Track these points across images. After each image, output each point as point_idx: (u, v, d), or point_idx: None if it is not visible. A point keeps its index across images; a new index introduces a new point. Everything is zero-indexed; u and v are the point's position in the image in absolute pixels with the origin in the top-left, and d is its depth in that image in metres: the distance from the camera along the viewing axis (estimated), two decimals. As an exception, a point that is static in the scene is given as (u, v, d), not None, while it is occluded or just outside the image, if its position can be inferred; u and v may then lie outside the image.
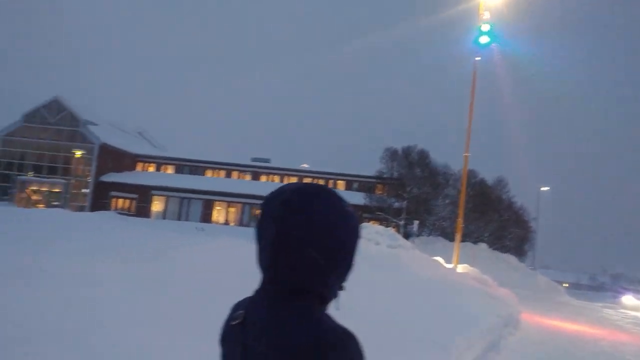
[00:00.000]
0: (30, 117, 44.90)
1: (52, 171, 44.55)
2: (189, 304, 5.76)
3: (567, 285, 47.78)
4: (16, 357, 3.59)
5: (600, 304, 30.12)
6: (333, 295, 1.09)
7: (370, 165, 44.90)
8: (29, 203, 42.75)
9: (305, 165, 53.21)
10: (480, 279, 17.24)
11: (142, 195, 44.55)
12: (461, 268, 19.65)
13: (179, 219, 43.40)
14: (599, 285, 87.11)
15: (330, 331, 1.00)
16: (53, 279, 5.87)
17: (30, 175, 44.16)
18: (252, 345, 1.04)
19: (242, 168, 51.53)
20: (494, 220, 39.96)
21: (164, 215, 44.35)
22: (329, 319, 1.04)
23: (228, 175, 51.22)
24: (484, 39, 21.26)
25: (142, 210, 44.06)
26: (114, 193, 44.71)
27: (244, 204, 44.77)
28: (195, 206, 44.57)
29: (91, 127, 44.85)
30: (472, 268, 20.11)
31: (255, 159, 52.54)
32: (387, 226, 27.66)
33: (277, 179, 51.35)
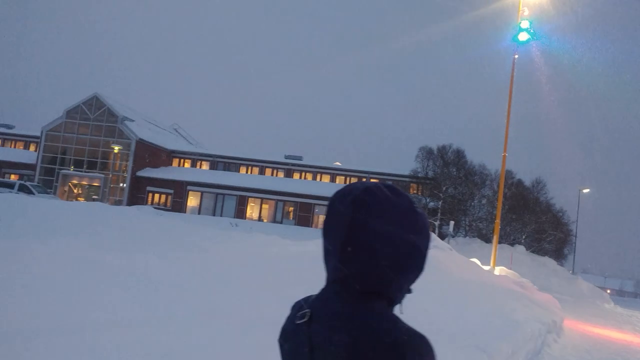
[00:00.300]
0: (72, 113, 46.23)
1: (92, 166, 45.73)
2: (234, 299, 5.70)
3: (609, 291, 46.02)
4: (87, 343, 3.55)
5: (645, 312, 28.95)
6: (401, 297, 1.09)
7: (405, 165, 44.53)
8: (71, 196, 44.00)
9: (337, 164, 53.07)
10: (519, 282, 16.75)
11: (178, 191, 45.22)
12: (499, 270, 19.17)
13: (213, 214, 43.90)
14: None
15: (407, 333, 0.98)
16: (111, 270, 5.94)
17: (71, 169, 45.41)
18: (321, 345, 1.01)
19: (275, 165, 51.82)
20: (531, 222, 39.02)
21: (199, 210, 44.92)
22: (402, 321, 1.01)
23: (262, 172, 51.57)
24: (522, 36, 20.65)
25: (178, 206, 44.74)
26: (150, 188, 45.54)
27: (277, 200, 44.95)
28: (229, 202, 44.98)
29: (128, 123, 45.81)
30: (510, 271, 19.62)
31: (288, 157, 52.71)
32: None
33: (309, 176, 51.43)
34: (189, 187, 45.29)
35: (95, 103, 46.12)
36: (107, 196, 44.19)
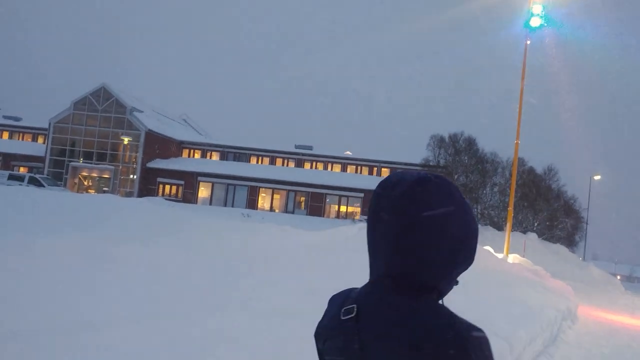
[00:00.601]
0: (80, 104, 46.11)
1: (101, 157, 45.84)
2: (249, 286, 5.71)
3: (619, 277, 45.81)
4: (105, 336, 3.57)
5: (658, 298, 28.74)
6: (449, 290, 1.07)
7: (416, 153, 44.32)
8: (81, 188, 44.26)
9: (348, 153, 52.97)
10: (533, 269, 16.70)
11: (188, 182, 45.38)
12: (512, 258, 19.09)
13: (224, 205, 44.03)
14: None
15: (467, 327, 0.95)
16: (126, 264, 5.96)
17: (81, 161, 45.61)
18: (375, 342, 0.98)
19: (286, 155, 51.79)
20: (543, 209, 38.83)
21: (210, 201, 45.08)
22: (457, 315, 0.98)
23: (272, 162, 51.57)
24: (535, 22, 20.30)
25: (189, 197, 44.91)
26: (160, 179, 45.72)
27: (289, 191, 44.99)
28: (240, 192, 45.08)
29: (137, 114, 45.80)
30: (523, 258, 19.53)
31: (298, 146, 52.66)
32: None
33: (320, 166, 51.37)
34: (199, 178, 45.43)
35: (103, 94, 45.91)
36: (117, 188, 44.38)
